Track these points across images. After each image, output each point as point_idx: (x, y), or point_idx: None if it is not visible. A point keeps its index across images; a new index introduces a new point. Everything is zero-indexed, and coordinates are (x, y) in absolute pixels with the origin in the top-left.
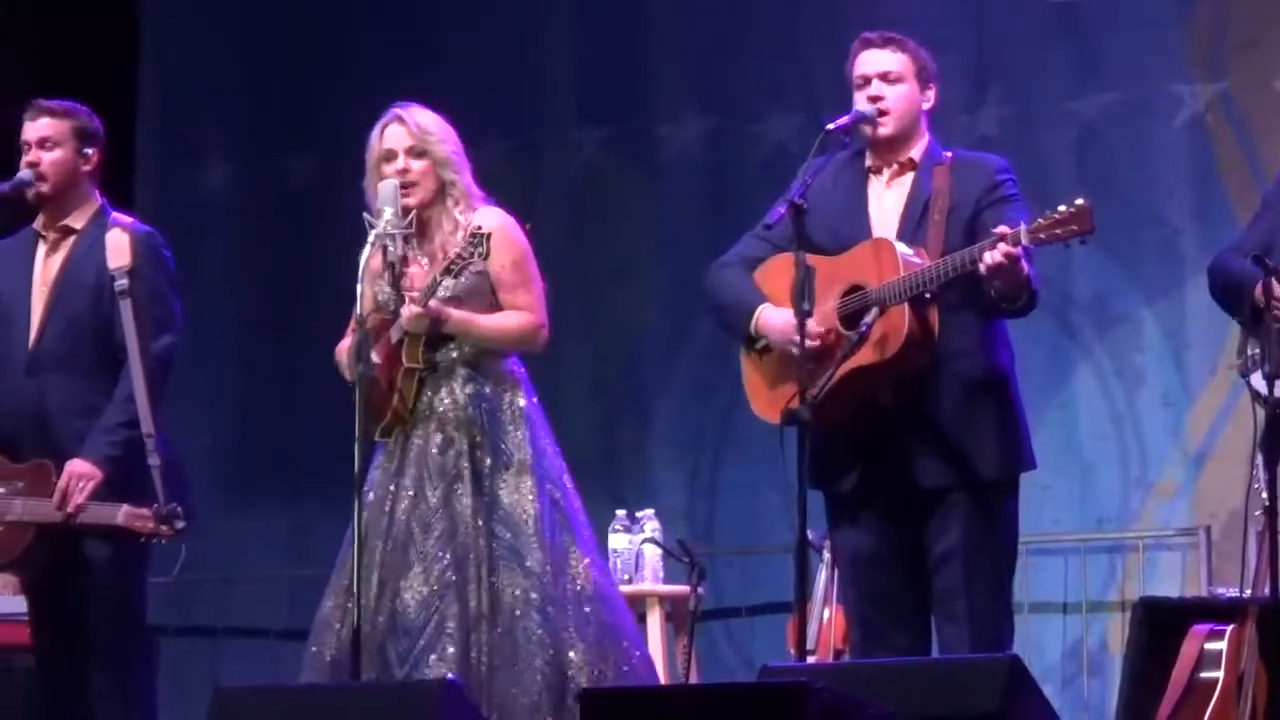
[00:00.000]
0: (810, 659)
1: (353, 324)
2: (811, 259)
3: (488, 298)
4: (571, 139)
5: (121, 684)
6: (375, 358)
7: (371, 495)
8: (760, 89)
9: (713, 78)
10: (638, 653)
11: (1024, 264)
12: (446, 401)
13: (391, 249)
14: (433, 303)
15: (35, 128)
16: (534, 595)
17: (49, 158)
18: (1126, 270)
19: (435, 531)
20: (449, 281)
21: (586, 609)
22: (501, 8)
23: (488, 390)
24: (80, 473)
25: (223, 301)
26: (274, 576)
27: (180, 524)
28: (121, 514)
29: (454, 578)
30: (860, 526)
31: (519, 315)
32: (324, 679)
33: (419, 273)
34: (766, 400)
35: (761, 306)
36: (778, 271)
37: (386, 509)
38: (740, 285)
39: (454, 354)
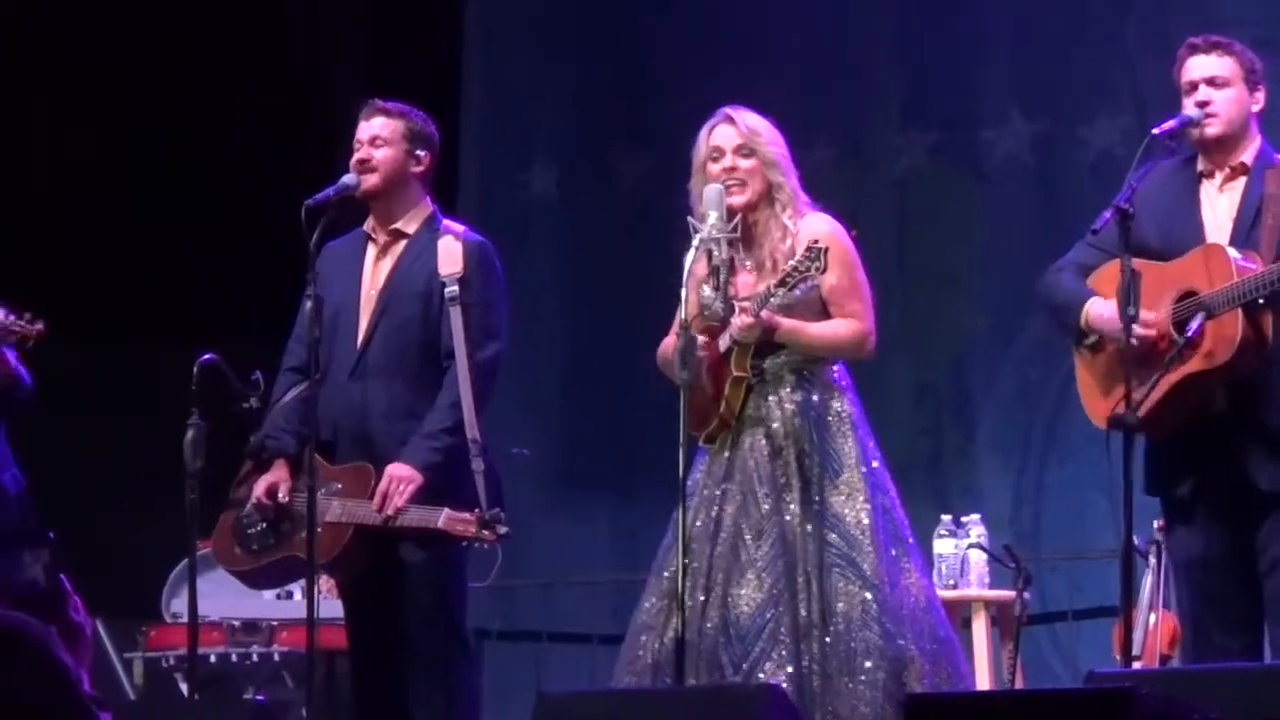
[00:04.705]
0: (1136, 665)
1: (676, 327)
2: (1142, 265)
3: (818, 307)
4: (896, 144)
5: (443, 688)
6: (701, 361)
7: (695, 500)
8: (1087, 92)
9: (1039, 81)
10: (965, 666)
11: None
12: (774, 409)
13: (716, 253)
14: (765, 313)
15: (369, 126)
16: (874, 606)
17: (379, 155)
18: None
19: (767, 539)
20: (782, 292)
21: (922, 620)
22: (827, 13)
23: (815, 398)
24: (401, 476)
25: (548, 303)
26: (597, 581)
27: (503, 529)
28: (443, 518)
29: (785, 585)
30: (1195, 530)
31: (848, 323)
32: (644, 682)
33: (747, 280)
34: (1099, 402)
35: (1091, 300)
36: (1109, 278)
37: (713, 514)
38: (1072, 285)
39: (781, 360)
